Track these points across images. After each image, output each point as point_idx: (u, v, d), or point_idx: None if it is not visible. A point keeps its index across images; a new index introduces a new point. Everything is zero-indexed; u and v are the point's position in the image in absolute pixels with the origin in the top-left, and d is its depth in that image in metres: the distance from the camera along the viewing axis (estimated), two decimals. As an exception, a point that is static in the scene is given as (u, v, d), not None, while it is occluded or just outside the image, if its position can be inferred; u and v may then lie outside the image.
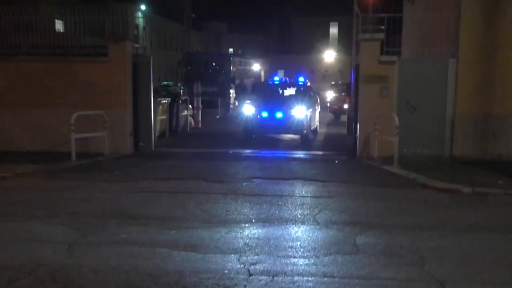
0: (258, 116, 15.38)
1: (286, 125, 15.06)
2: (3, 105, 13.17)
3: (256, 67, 40.14)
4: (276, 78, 19.19)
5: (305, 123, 15.17)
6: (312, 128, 16.59)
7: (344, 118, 22.92)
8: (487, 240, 6.34)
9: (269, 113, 15.26)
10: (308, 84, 19.09)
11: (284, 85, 18.67)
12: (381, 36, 12.31)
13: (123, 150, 12.94)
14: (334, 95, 36.57)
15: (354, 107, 13.45)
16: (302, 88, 17.78)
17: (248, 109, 15.91)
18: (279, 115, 15.16)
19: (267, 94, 17.74)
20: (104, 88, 12.88)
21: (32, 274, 5.04)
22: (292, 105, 15.38)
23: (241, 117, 16.86)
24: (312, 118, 16.21)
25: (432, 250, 5.83)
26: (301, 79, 18.44)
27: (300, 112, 15.17)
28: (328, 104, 29.28)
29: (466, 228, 6.83)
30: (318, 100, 20.08)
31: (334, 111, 27.83)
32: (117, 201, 8.17)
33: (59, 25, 15.65)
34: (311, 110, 15.97)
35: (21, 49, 13.27)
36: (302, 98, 16.22)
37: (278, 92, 18.15)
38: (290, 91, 17.98)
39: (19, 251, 5.75)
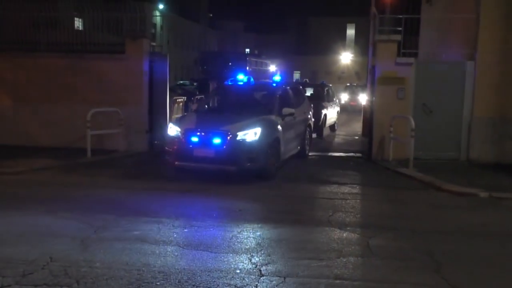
0: (185, 141, 9.75)
1: (225, 156, 9.43)
2: (21, 100, 13.33)
3: (272, 68, 40.08)
4: (241, 77, 12.10)
5: (256, 152, 9.51)
6: (288, 154, 11.17)
7: None
8: (504, 245, 6.25)
9: (200, 138, 9.63)
10: (296, 86, 13.49)
11: (247, 89, 12.17)
12: (398, 37, 12.21)
13: (138, 147, 12.99)
14: (349, 97, 36.40)
15: (370, 109, 13.35)
16: (276, 94, 11.41)
17: (172, 130, 10.12)
18: (216, 141, 9.50)
19: (219, 103, 12.16)
20: (120, 85, 12.95)
21: (45, 268, 5.08)
22: (242, 124, 9.76)
23: (164, 141, 10.91)
24: (287, 140, 10.87)
25: (447, 255, 5.75)
26: (276, 78, 12.54)
27: (250, 135, 9.56)
28: None
29: (482, 233, 6.74)
30: (311, 110, 13.67)
31: None
32: (130, 198, 8.21)
33: (78, 23, 15.79)
34: (280, 129, 10.35)
35: (40, 46, 13.40)
36: (270, 109, 10.69)
37: (237, 100, 11.83)
38: (258, 97, 12.13)
39: (33, 245, 5.79)
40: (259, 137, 9.60)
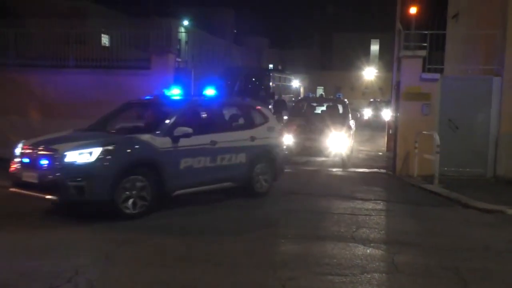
0: (19, 162, 7.92)
1: (47, 182, 7.42)
2: (50, 116, 13.60)
3: (295, 83, 40.21)
4: (176, 92, 9.72)
5: (91, 179, 7.34)
6: (192, 189, 8.65)
7: None
8: (532, 264, 6.12)
9: (30, 158, 7.75)
10: (247, 105, 10.57)
11: (149, 105, 9.99)
12: (423, 53, 12.15)
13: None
14: (372, 112, 36.42)
15: (395, 125, 13.27)
16: (173, 110, 8.77)
17: (18, 149, 8.06)
18: (43, 162, 7.58)
19: (111, 120, 9.80)
20: (146, 101, 13.13)
21: (71, 281, 5.14)
22: (80, 142, 7.73)
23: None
24: (190, 170, 8.44)
25: (474, 272, 5.66)
26: (210, 92, 9.75)
27: (85, 156, 7.40)
28: None
29: (510, 250, 6.62)
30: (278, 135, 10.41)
31: None
32: (157, 212, 8.25)
33: (104, 39, 16.12)
34: (161, 152, 8.04)
35: (69, 62, 13.72)
36: (151, 127, 8.42)
37: (131, 117, 10.08)
38: (155, 114, 9.30)
39: (59, 258, 5.86)
40: (99, 159, 7.38)
